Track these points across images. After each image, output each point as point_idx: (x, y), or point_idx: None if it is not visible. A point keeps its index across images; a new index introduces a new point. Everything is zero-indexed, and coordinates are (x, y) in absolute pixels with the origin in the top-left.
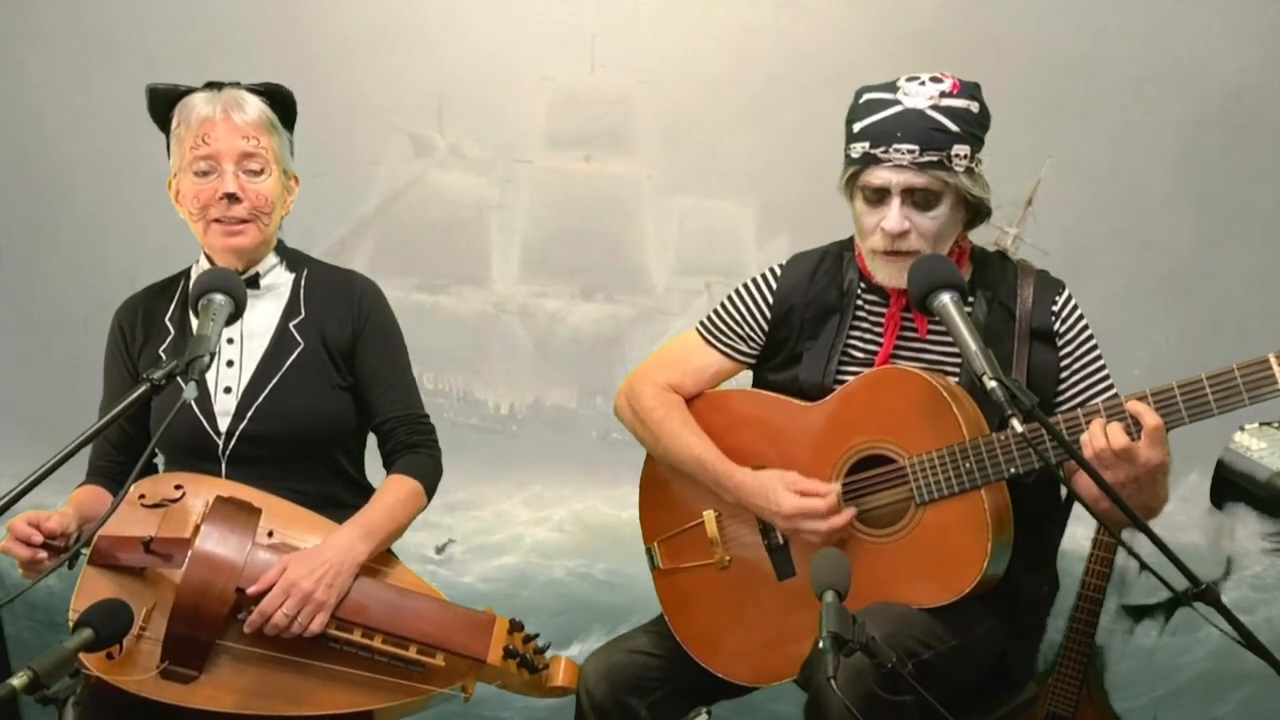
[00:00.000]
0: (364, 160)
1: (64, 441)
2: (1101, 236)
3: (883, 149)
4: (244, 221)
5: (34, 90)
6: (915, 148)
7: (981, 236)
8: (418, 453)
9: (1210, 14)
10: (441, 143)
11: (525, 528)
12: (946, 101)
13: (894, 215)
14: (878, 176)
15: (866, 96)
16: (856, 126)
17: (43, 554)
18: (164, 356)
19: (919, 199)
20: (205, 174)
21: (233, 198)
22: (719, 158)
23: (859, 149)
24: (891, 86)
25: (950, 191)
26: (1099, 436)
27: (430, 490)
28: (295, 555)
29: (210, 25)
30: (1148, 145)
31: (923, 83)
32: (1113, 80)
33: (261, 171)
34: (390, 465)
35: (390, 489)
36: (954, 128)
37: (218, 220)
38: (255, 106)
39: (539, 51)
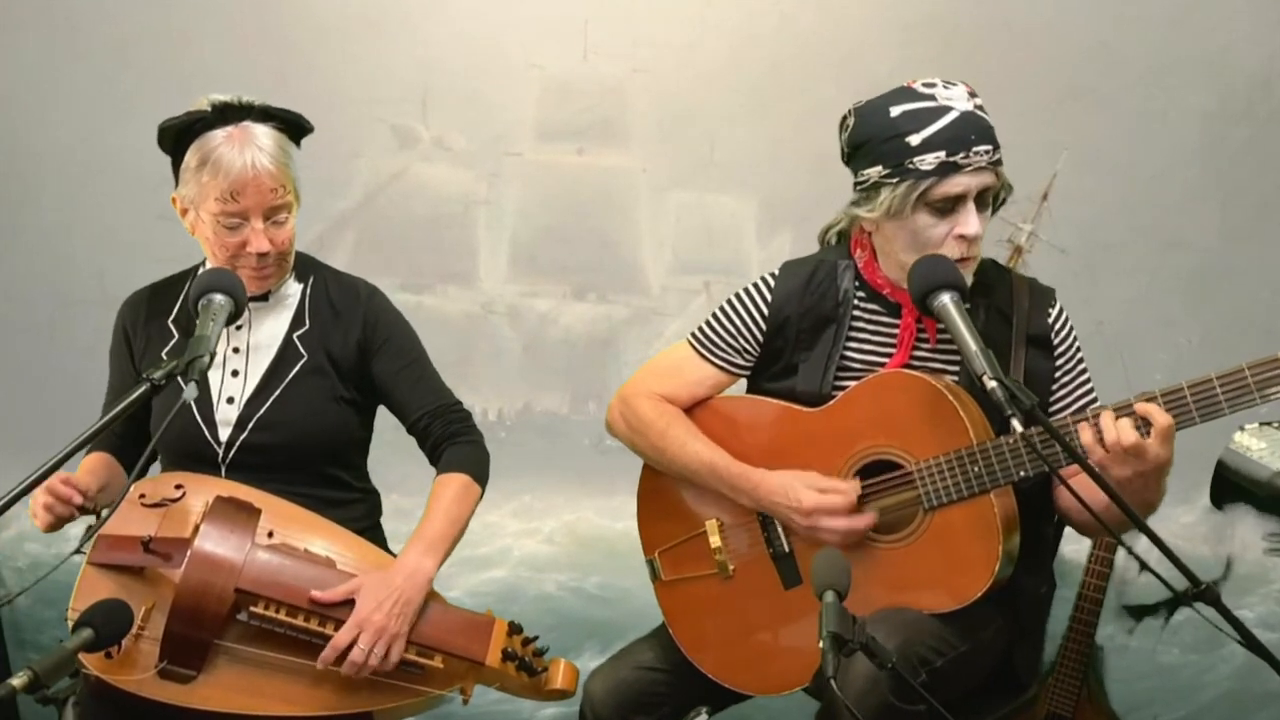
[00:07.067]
0: (344, 153)
1: (29, 444)
2: (1121, 233)
3: (963, 154)
4: (270, 264)
5: None
6: (989, 147)
7: (995, 232)
8: (456, 443)
9: None
10: (426, 134)
11: (514, 539)
12: (978, 99)
13: (975, 218)
14: (957, 184)
15: (902, 109)
16: (915, 139)
17: (76, 511)
18: (165, 360)
19: (978, 200)
20: (233, 228)
21: (263, 255)
22: (718, 150)
23: (932, 160)
24: (921, 95)
25: (998, 188)
26: (1110, 430)
27: (480, 476)
28: (365, 584)
29: (183, 13)
30: (1170, 137)
31: (945, 87)
32: (1133, 69)
33: (285, 214)
34: (435, 463)
35: (439, 492)
36: (993, 123)
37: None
38: (273, 147)
39: (528, 38)
